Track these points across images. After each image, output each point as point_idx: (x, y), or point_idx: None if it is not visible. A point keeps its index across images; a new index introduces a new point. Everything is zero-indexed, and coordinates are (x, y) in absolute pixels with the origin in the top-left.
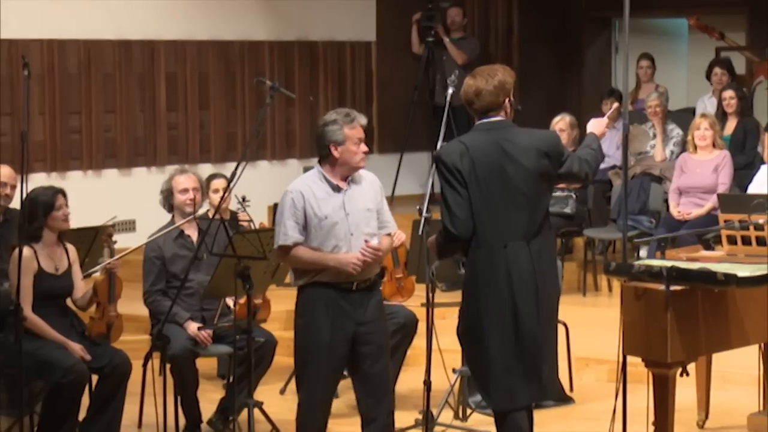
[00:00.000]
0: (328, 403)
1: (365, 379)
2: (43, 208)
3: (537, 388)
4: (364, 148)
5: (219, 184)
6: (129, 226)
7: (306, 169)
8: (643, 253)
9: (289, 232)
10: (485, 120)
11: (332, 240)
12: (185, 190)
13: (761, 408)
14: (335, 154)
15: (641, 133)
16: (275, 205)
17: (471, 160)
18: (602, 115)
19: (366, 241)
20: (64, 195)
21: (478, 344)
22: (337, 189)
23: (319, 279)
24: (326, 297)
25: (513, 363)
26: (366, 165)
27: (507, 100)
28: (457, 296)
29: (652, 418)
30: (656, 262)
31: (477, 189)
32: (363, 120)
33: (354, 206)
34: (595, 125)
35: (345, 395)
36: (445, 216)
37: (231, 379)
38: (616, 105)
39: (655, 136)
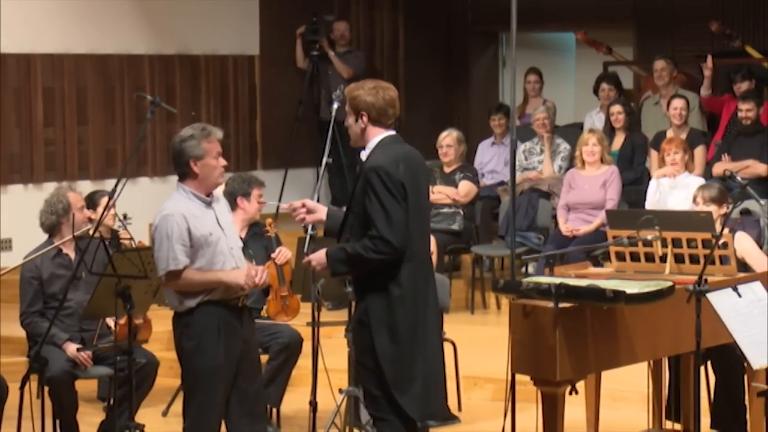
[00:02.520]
0: (219, 428)
1: (243, 397)
2: None
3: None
4: (222, 162)
5: (106, 201)
6: (5, 245)
7: None
8: (531, 270)
9: (179, 257)
10: (392, 132)
11: (220, 256)
12: (82, 208)
13: (650, 425)
14: (195, 169)
15: None
16: None
17: (407, 173)
18: (490, 129)
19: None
20: None
21: (420, 359)
22: (208, 204)
23: (210, 298)
24: (218, 317)
25: (442, 376)
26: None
27: None
28: (342, 315)
29: None
30: (545, 279)
31: (412, 202)
32: (219, 134)
33: (225, 221)
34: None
35: None
36: (385, 229)
37: (111, 402)
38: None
39: (542, 151)
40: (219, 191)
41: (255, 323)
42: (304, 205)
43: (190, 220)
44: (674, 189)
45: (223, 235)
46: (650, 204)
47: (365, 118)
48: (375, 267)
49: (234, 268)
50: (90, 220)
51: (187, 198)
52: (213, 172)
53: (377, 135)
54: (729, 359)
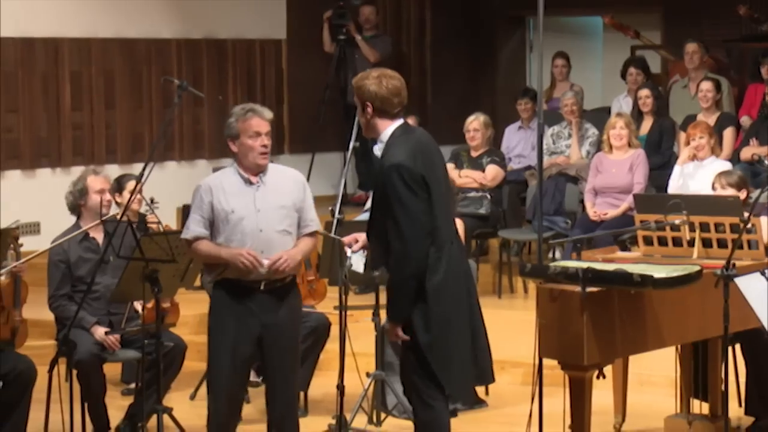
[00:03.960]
0: (235, 404)
1: (271, 383)
2: None
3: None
4: (262, 141)
5: (134, 185)
6: (33, 228)
7: (215, 170)
8: (558, 254)
9: (191, 226)
10: (401, 121)
11: (238, 235)
12: (102, 191)
13: (678, 410)
14: (233, 148)
15: None
16: (184, 207)
17: (426, 163)
18: (517, 114)
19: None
20: None
21: (461, 341)
22: (248, 183)
23: (225, 276)
24: (232, 295)
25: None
26: (278, 164)
27: None
28: (370, 299)
29: (568, 421)
30: (572, 264)
31: (435, 190)
32: (265, 114)
33: (266, 203)
34: None
35: (256, 400)
36: (402, 236)
37: (139, 385)
38: None
39: (570, 135)
40: (290, 171)
41: (295, 309)
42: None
43: (216, 193)
44: (699, 170)
45: (256, 217)
46: (672, 190)
47: (370, 109)
48: (415, 271)
49: (252, 249)
50: (116, 203)
51: (230, 173)
52: (249, 152)
53: (387, 127)
54: (758, 344)
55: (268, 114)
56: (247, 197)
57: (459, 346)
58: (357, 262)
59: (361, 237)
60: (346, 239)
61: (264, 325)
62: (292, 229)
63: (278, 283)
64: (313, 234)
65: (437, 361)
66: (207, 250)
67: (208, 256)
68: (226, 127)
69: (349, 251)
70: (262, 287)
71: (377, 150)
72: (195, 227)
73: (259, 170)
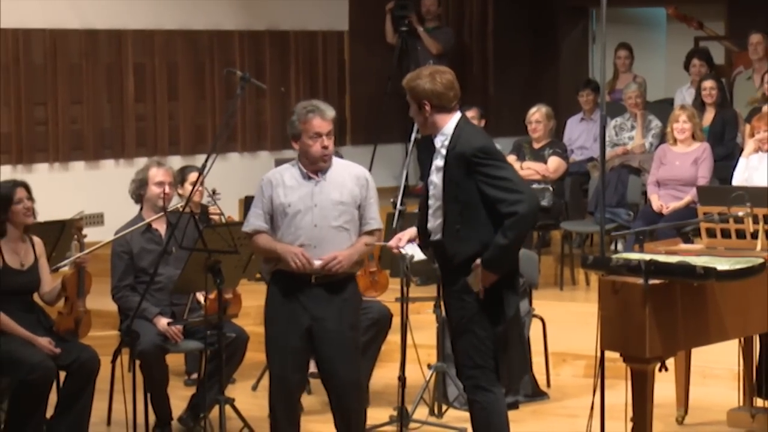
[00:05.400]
0: (291, 396)
1: (327, 379)
2: (2, 202)
3: None
4: (323, 142)
5: (196, 176)
6: (97, 219)
7: (277, 162)
8: (621, 246)
9: (251, 219)
10: (460, 114)
11: (293, 228)
12: (160, 183)
13: (741, 403)
14: (295, 147)
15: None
16: (246, 198)
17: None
18: (579, 105)
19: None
20: (27, 188)
21: (513, 335)
22: (308, 177)
23: (279, 268)
24: (284, 287)
25: None
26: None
27: None
28: (431, 290)
29: (630, 413)
30: (634, 256)
31: None
32: (327, 113)
33: (323, 198)
34: None
35: (318, 391)
36: (515, 194)
37: (201, 376)
38: None
39: (633, 127)
40: (354, 168)
41: (348, 302)
42: (400, 239)
43: (276, 187)
44: (763, 163)
45: (312, 211)
46: (737, 183)
47: (428, 107)
48: (530, 226)
49: (305, 245)
50: (178, 195)
51: (291, 166)
52: (310, 152)
53: (449, 121)
54: None
55: (330, 113)
56: (305, 191)
57: (517, 337)
58: (412, 250)
59: (406, 233)
60: (392, 243)
61: (314, 318)
62: (349, 225)
63: (331, 277)
64: (373, 232)
65: (502, 351)
66: (263, 244)
67: (265, 250)
68: (289, 126)
69: (403, 250)
70: (313, 280)
71: (438, 143)
72: (254, 221)
73: (320, 170)
